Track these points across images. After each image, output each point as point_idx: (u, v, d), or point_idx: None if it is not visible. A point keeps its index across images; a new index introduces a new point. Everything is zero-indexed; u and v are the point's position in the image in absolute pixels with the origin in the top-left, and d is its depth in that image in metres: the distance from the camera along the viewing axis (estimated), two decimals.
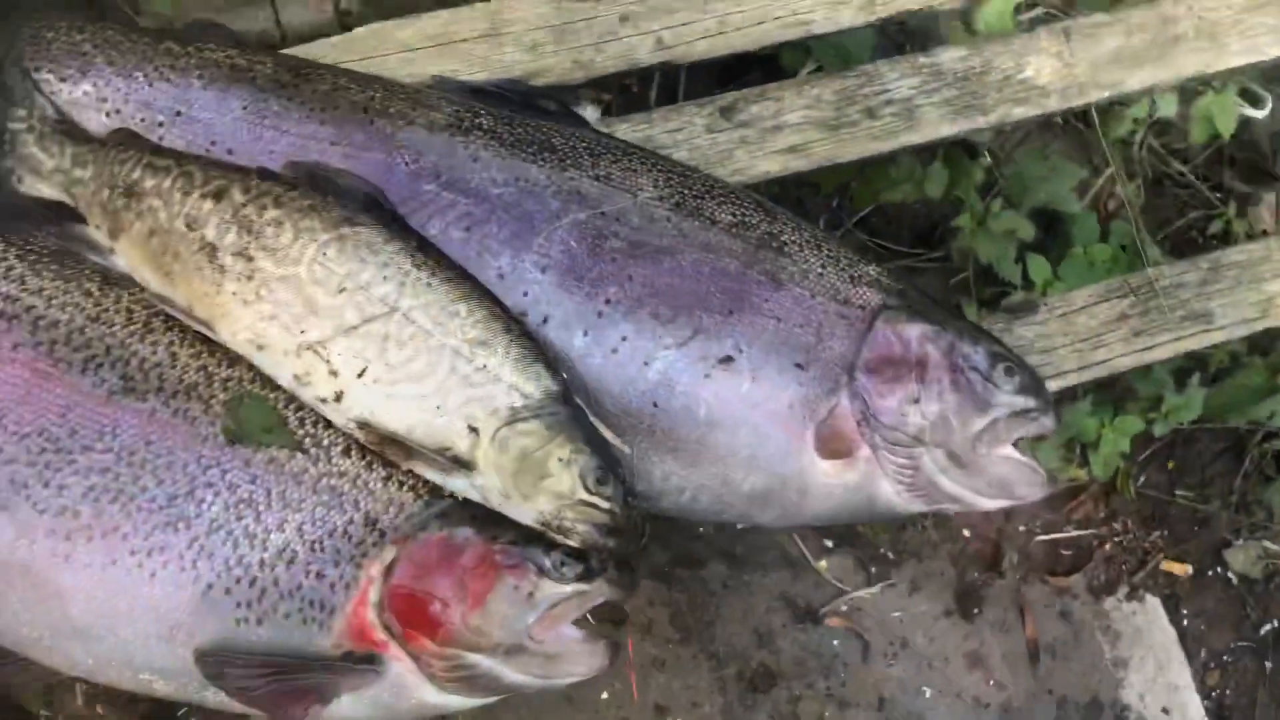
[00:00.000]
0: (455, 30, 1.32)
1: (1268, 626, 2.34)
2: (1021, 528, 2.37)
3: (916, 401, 1.11)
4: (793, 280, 1.13)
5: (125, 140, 1.13)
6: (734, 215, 1.16)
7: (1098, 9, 1.49)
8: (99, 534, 0.97)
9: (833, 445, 1.10)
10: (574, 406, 1.02)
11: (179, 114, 1.15)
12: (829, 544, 2.27)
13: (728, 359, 1.09)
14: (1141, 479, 2.31)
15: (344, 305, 1.00)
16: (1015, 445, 1.16)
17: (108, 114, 1.16)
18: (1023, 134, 1.74)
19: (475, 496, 1.02)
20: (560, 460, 1.00)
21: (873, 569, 2.31)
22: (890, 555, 2.33)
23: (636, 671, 1.69)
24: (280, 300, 1.00)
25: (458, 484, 1.01)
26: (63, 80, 1.17)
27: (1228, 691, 2.32)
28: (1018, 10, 1.46)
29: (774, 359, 1.10)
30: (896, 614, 2.23)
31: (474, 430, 0.99)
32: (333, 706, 1.02)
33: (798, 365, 1.10)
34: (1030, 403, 1.16)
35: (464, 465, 0.99)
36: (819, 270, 1.15)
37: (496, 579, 1.02)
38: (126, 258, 1.08)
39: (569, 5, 1.33)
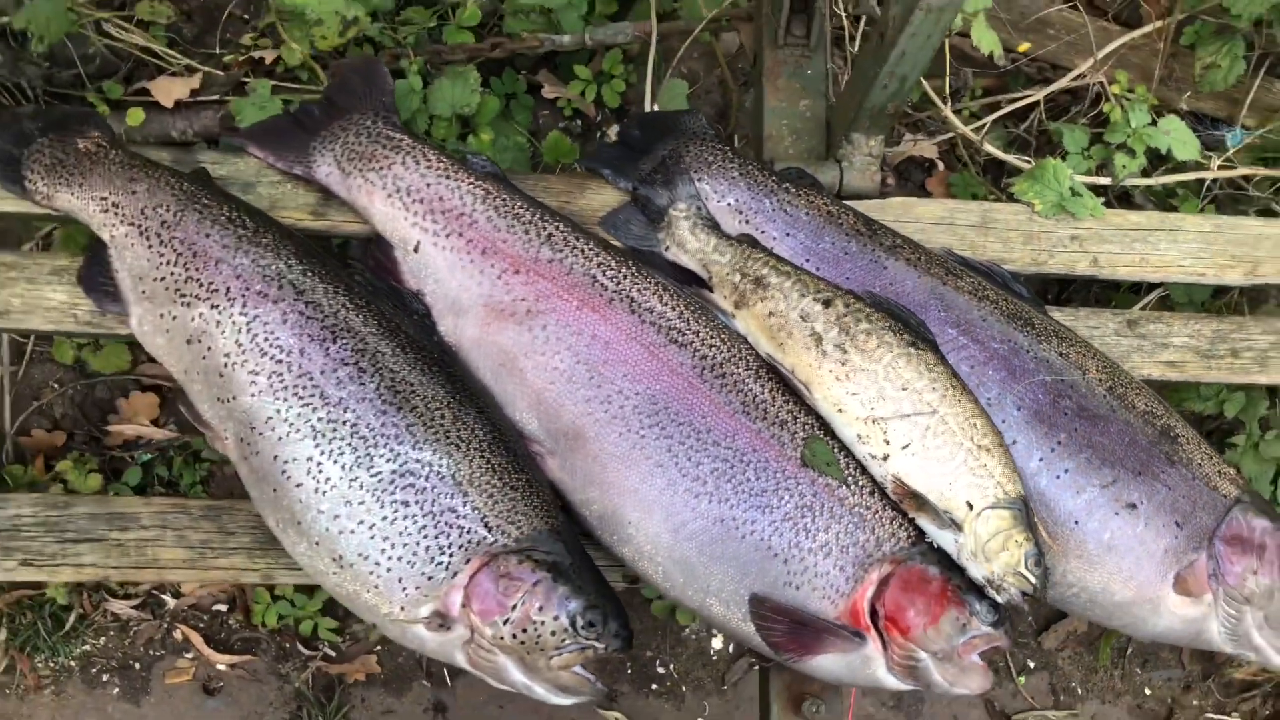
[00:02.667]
0: (957, 216, 1.82)
1: None
2: (1195, 702, 2.74)
3: (1255, 573, 1.55)
4: (1182, 463, 1.59)
5: (751, 242, 1.66)
6: (1146, 405, 1.63)
7: None
8: (717, 500, 1.47)
9: (1186, 586, 1.55)
10: (1028, 508, 1.49)
11: (789, 234, 1.68)
12: (1031, 664, 2.67)
13: (1132, 505, 1.55)
14: None
15: (903, 399, 1.49)
16: None
17: (740, 221, 1.70)
18: None
19: (950, 549, 1.49)
20: (1016, 542, 1.46)
21: (1061, 696, 2.71)
22: (1079, 690, 2.72)
23: None
24: (861, 384, 1.50)
25: (945, 537, 1.48)
26: (714, 191, 1.71)
27: None
28: None
29: (1162, 514, 1.55)
30: None
31: (970, 505, 1.46)
32: (816, 659, 1.49)
33: (1176, 524, 1.56)
34: None
35: (955, 526, 1.47)
36: (1199, 460, 1.61)
37: (948, 607, 1.48)
38: (745, 324, 1.60)
39: (1039, 220, 1.83)
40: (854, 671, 1.50)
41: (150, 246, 1.52)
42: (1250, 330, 1.85)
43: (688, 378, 1.52)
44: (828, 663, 1.49)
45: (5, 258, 1.58)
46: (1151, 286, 2.09)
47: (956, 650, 1.48)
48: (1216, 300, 2.16)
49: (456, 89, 2.08)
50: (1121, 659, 2.66)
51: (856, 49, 2.10)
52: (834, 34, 1.93)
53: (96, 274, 1.55)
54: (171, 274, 1.50)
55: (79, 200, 1.56)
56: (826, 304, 1.55)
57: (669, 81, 2.24)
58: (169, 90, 2.13)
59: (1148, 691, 2.70)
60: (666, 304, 1.56)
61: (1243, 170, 2.19)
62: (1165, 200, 2.26)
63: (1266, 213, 2.28)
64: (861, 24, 2.03)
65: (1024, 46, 2.13)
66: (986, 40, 1.85)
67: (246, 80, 2.18)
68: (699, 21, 2.10)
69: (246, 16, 2.29)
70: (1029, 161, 1.99)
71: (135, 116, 2.07)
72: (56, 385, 2.21)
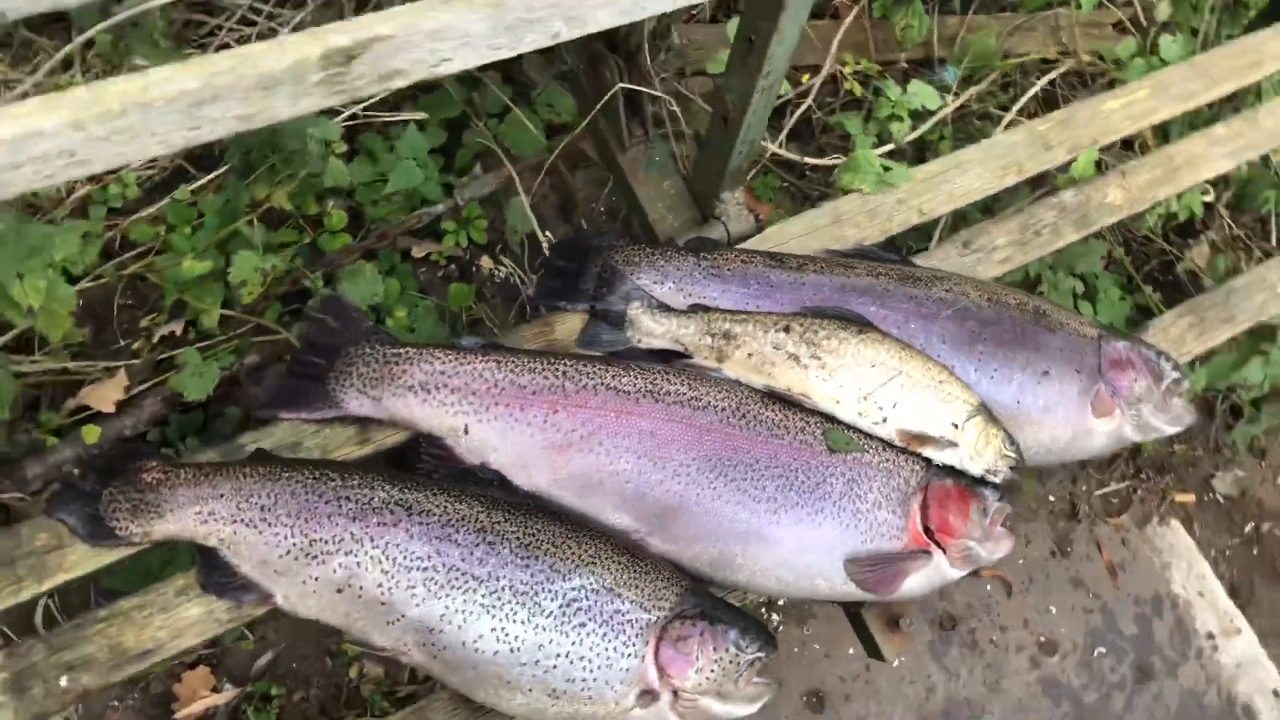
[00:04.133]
0: (816, 222, 2.28)
1: (1249, 526, 3.42)
2: (1084, 488, 3.41)
3: (1135, 381, 2.11)
4: (1057, 328, 2.13)
5: (704, 309, 2.04)
6: (1015, 299, 2.16)
7: None
8: (789, 507, 1.86)
9: (1101, 410, 2.09)
10: (987, 408, 1.98)
11: (724, 291, 2.07)
12: None
13: (1045, 373, 2.07)
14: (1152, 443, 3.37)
15: (875, 373, 1.93)
16: (1178, 397, 2.17)
17: (684, 297, 2.08)
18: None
19: (953, 461, 1.95)
20: (992, 434, 1.95)
21: None
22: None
23: None
24: (842, 377, 1.93)
25: (947, 455, 1.94)
26: (652, 282, 2.08)
27: (1235, 573, 3.37)
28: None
29: (1065, 369, 2.09)
30: (1021, 560, 3.24)
31: (955, 425, 1.93)
32: (905, 585, 1.92)
33: (1076, 371, 2.09)
34: (1179, 374, 2.18)
35: (951, 444, 1.93)
36: (1066, 320, 2.15)
37: (970, 502, 1.95)
38: (733, 371, 1.98)
39: (871, 198, 2.32)
40: (930, 580, 1.94)
41: (262, 533, 1.72)
42: (1039, 214, 2.43)
43: (721, 429, 1.89)
44: (912, 584, 1.92)
45: (132, 600, 1.72)
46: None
47: (988, 529, 1.95)
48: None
49: (361, 286, 2.32)
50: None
51: (699, 129, 2.50)
52: (658, 120, 2.31)
53: (218, 577, 1.73)
54: (295, 545, 1.71)
55: (175, 524, 1.72)
56: (787, 330, 1.97)
57: (513, 203, 2.57)
58: (104, 396, 2.24)
59: (1051, 498, 3.33)
60: (674, 382, 1.92)
61: (964, 96, 2.79)
62: (920, 145, 2.83)
63: (985, 118, 2.91)
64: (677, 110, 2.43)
65: (806, 77, 2.62)
66: None
67: (165, 358, 2.32)
68: (539, 152, 2.44)
69: (132, 303, 2.41)
70: (838, 158, 2.48)
71: (91, 434, 2.17)
72: (116, 703, 2.28)
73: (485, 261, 2.65)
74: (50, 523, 1.71)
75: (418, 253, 2.61)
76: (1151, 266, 3.28)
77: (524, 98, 2.56)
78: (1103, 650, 3.10)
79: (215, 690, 2.36)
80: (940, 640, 3.06)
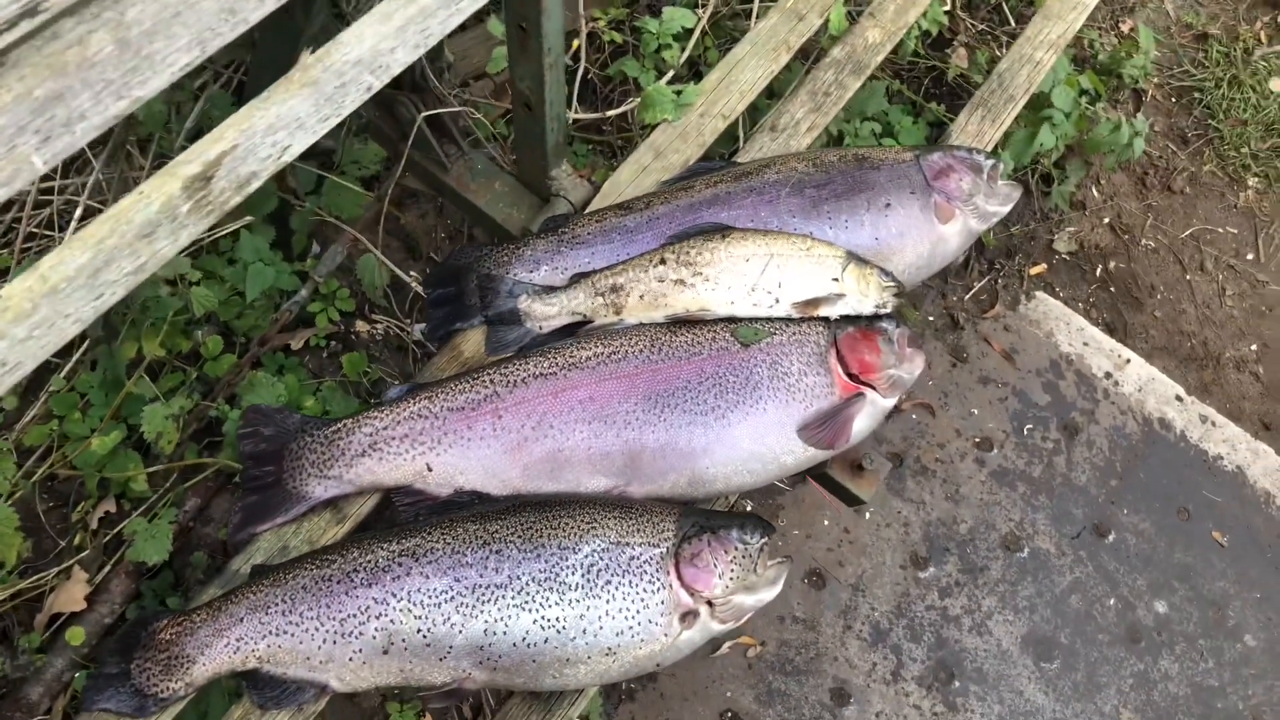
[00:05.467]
0: (643, 161, 2.45)
1: (1098, 270, 3.77)
2: (955, 299, 3.71)
3: (959, 180, 2.36)
4: (878, 164, 2.36)
5: (583, 275, 2.19)
6: (835, 155, 2.38)
7: None
8: (730, 409, 2.03)
9: (945, 216, 2.33)
10: (855, 254, 2.19)
11: (592, 253, 2.22)
12: None
13: (888, 204, 2.30)
14: (991, 233, 3.69)
15: (751, 265, 2.12)
16: (999, 179, 2.44)
17: (559, 274, 2.22)
18: None
19: (847, 310, 2.16)
20: (869, 273, 2.16)
21: None
22: None
23: None
24: (726, 280, 2.11)
25: (839, 308, 2.15)
26: (527, 272, 2.21)
27: (1104, 314, 3.71)
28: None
29: (899, 194, 2.32)
30: (930, 382, 3.52)
31: (835, 280, 2.14)
32: (853, 430, 2.12)
33: (910, 192, 2.33)
34: (992, 160, 2.44)
35: (839, 296, 2.14)
36: (880, 156, 2.38)
37: (875, 339, 2.16)
38: (633, 316, 2.14)
39: (676, 125, 2.50)
40: (873, 416, 2.15)
41: (294, 636, 1.80)
42: (820, 77, 2.66)
43: (647, 369, 2.05)
44: (859, 425, 2.13)
45: None
46: None
47: (900, 353, 2.17)
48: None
49: (262, 394, 2.38)
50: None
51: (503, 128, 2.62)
52: (465, 132, 2.43)
53: (270, 692, 1.80)
54: (328, 632, 1.80)
55: (211, 664, 1.79)
56: (663, 261, 2.13)
57: (361, 260, 2.66)
58: (71, 598, 2.25)
59: (931, 319, 3.63)
60: (589, 348, 2.07)
61: (712, 4, 2.99)
62: (695, 61, 3.03)
63: (735, 16, 3.12)
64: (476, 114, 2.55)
65: (576, 40, 2.77)
66: None
67: (109, 539, 2.33)
68: (368, 204, 2.53)
69: (52, 502, 2.41)
70: (633, 100, 2.65)
71: (76, 636, 2.18)
72: None
73: (361, 325, 2.73)
74: (96, 716, 1.75)
75: (296, 345, 2.67)
76: (926, 86, 3.57)
77: (329, 167, 2.64)
78: (1030, 427, 3.40)
79: None
80: (895, 478, 3.32)
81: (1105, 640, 3.09)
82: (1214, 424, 3.50)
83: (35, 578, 2.25)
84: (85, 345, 2.40)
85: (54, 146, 1.20)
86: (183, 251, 2.30)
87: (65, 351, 2.46)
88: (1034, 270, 3.75)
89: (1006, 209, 2.42)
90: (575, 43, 2.79)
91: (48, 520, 2.37)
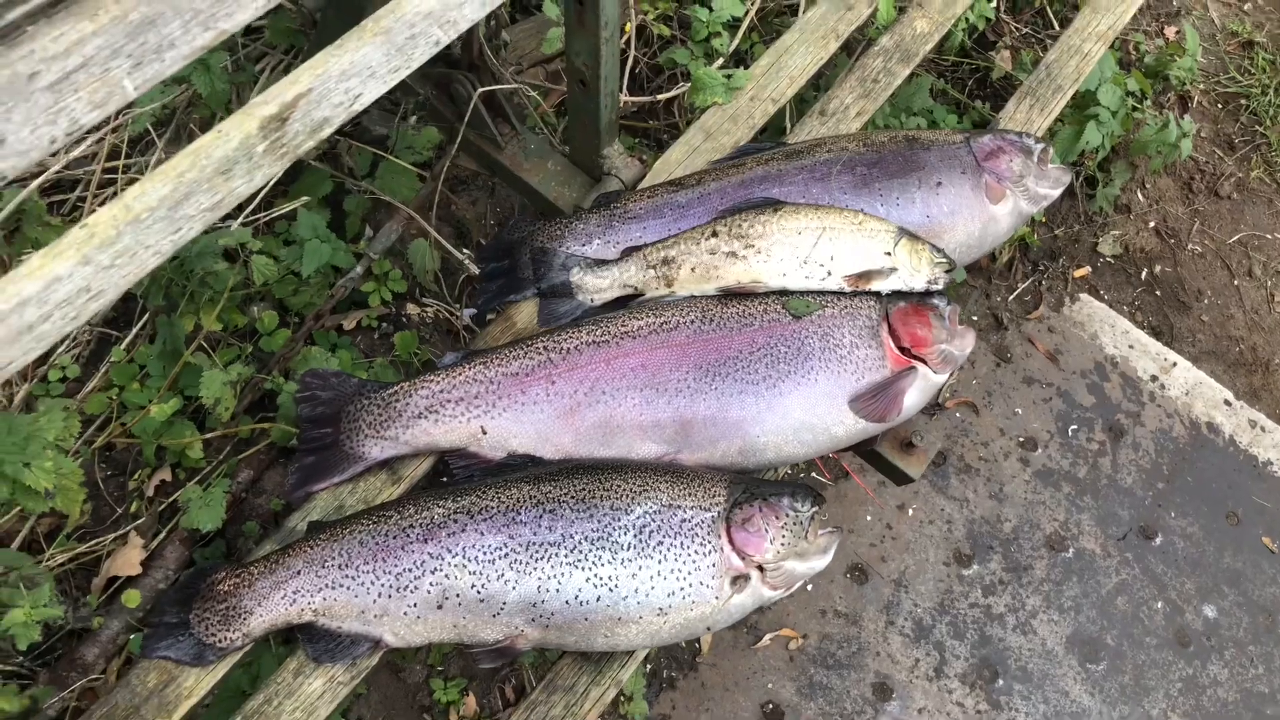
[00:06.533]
0: (693, 142, 2.48)
1: (1143, 273, 3.76)
2: (998, 299, 3.71)
3: (1010, 161, 2.37)
4: (930, 145, 2.37)
5: (635, 249, 2.21)
6: (885, 136, 2.39)
7: None
8: (781, 378, 2.04)
9: (995, 196, 2.34)
10: (906, 230, 2.20)
11: (644, 228, 2.25)
12: None
13: (939, 183, 2.31)
14: (1034, 234, 3.69)
15: (804, 239, 2.13)
16: (1050, 163, 2.44)
17: (611, 247, 2.24)
18: None
19: (898, 285, 2.17)
20: (920, 248, 2.17)
21: None
22: None
23: None
24: (778, 253, 2.13)
25: (891, 282, 2.16)
26: (580, 245, 2.24)
27: (1150, 317, 3.69)
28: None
29: (950, 174, 2.33)
30: (974, 381, 3.51)
31: (887, 254, 2.15)
32: (904, 404, 2.12)
33: (960, 172, 2.34)
34: (1042, 143, 2.45)
35: (891, 271, 2.15)
36: (933, 137, 2.40)
37: (927, 314, 2.17)
38: (684, 289, 2.16)
39: (727, 108, 2.53)
40: (925, 391, 2.15)
41: (350, 589, 1.81)
42: (869, 64, 2.68)
43: (699, 339, 2.06)
44: (911, 399, 2.13)
45: (256, 700, 1.79)
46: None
47: (951, 331, 2.18)
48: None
49: (318, 368, 2.41)
50: None
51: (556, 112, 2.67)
52: (520, 112, 2.48)
53: (326, 645, 1.82)
54: (384, 586, 1.81)
55: (268, 616, 1.81)
56: (715, 234, 2.15)
57: (413, 245, 2.70)
58: (128, 562, 2.29)
59: (975, 318, 3.62)
60: (642, 318, 2.09)
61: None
62: (741, 52, 3.07)
63: (783, 12, 3.16)
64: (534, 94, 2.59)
65: (626, 26, 2.81)
66: None
67: (164, 507, 2.37)
68: (428, 186, 2.57)
69: (110, 471, 2.45)
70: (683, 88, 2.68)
71: (132, 599, 2.21)
72: None
73: (411, 308, 2.77)
74: (155, 663, 1.77)
75: (349, 325, 2.71)
76: (970, 87, 3.59)
77: (382, 150, 2.69)
78: (1074, 428, 3.38)
79: None
80: (938, 475, 3.30)
81: (1153, 643, 3.05)
82: (1263, 429, 3.46)
83: (93, 542, 2.29)
84: (145, 318, 2.45)
85: (144, 73, 1.24)
86: (249, 220, 2.36)
87: (126, 323, 2.52)
88: (1078, 273, 3.74)
89: (1057, 192, 2.42)
90: (625, 31, 2.84)
91: (106, 488, 2.41)
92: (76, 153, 2.39)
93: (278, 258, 2.55)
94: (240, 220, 2.57)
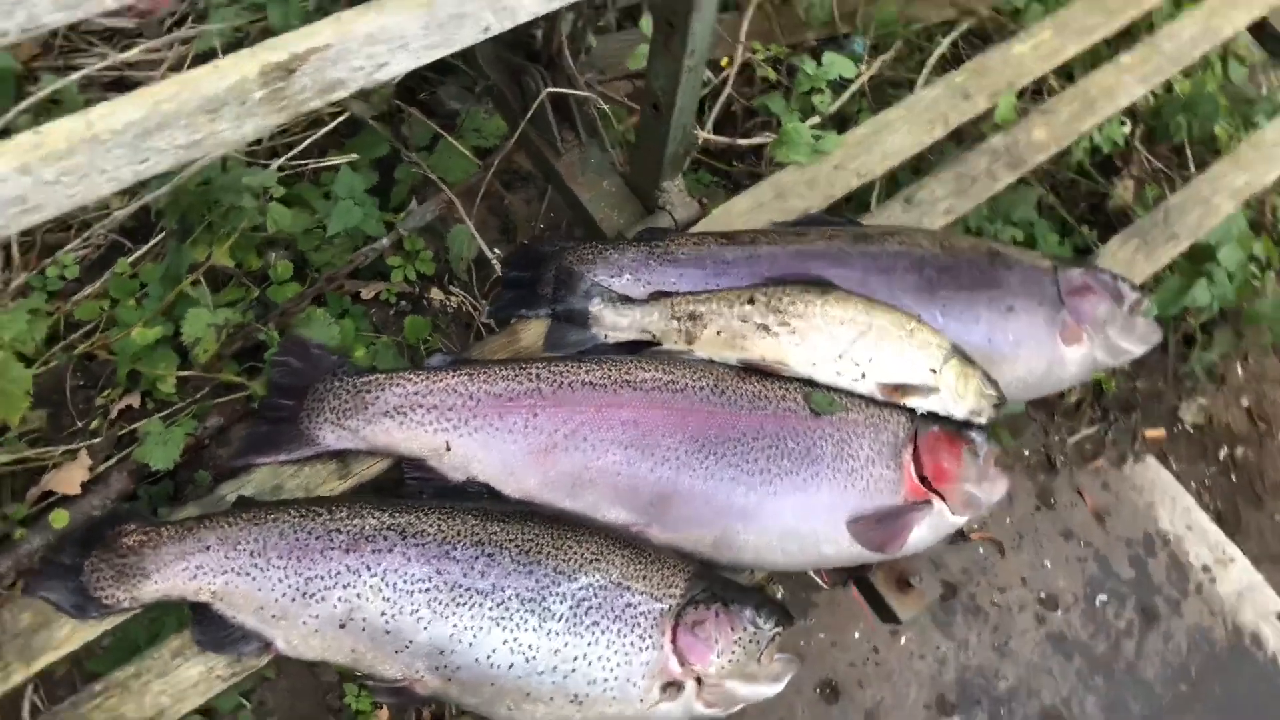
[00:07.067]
0: (760, 197, 2.30)
1: (1223, 453, 3.47)
2: (1057, 438, 3.44)
3: (1096, 305, 2.14)
4: (1012, 264, 2.16)
5: (664, 295, 2.04)
6: (967, 244, 2.18)
7: None
8: (782, 476, 1.84)
9: (1070, 337, 2.12)
10: (961, 350, 1.99)
11: (681, 275, 2.07)
12: None
13: (1010, 308, 2.09)
14: (1113, 382, 3.43)
15: (846, 330, 1.94)
16: (1140, 316, 2.21)
17: (641, 286, 2.07)
18: None
19: (936, 408, 1.96)
20: (970, 375, 1.96)
21: None
22: None
23: None
24: (815, 340, 1.93)
25: (929, 402, 1.95)
26: (609, 277, 2.07)
27: (1218, 501, 3.41)
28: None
29: (1028, 302, 2.11)
30: (1008, 519, 3.25)
31: (933, 371, 1.94)
32: (910, 539, 1.91)
33: (1038, 302, 2.12)
34: (1138, 293, 2.21)
35: (932, 390, 1.94)
36: (1018, 256, 2.18)
37: (960, 446, 1.95)
38: (704, 350, 1.97)
39: (808, 168, 2.34)
40: (936, 530, 1.94)
41: (255, 580, 1.66)
42: (971, 161, 2.47)
43: (703, 408, 1.88)
44: (918, 536, 1.92)
45: (127, 670, 1.65)
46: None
47: (983, 471, 1.96)
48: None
49: (316, 331, 2.27)
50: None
51: (628, 130, 2.51)
52: (588, 123, 2.32)
53: (215, 632, 1.67)
54: (290, 586, 1.66)
55: (163, 584, 1.67)
56: (752, 301, 1.97)
57: (454, 230, 2.56)
58: (69, 479, 2.17)
59: (1027, 453, 3.36)
60: (649, 369, 1.91)
61: (877, 64, 2.84)
62: (842, 117, 2.88)
63: (901, 85, 2.96)
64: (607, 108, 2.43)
65: (725, 61, 2.65)
66: None
67: (125, 433, 2.25)
68: (475, 173, 2.43)
69: (84, 383, 2.34)
70: (768, 137, 2.50)
71: (60, 519, 2.09)
72: None
73: (435, 293, 2.62)
74: (34, 603, 1.64)
75: (367, 294, 2.58)
76: (1081, 210, 3.34)
77: (449, 129, 2.55)
78: (1104, 598, 3.10)
79: None
80: (942, 609, 3.05)
81: None
82: None
83: (42, 449, 2.18)
84: (161, 236, 2.35)
85: None
86: (297, 163, 2.23)
87: (144, 237, 2.42)
88: (1150, 433, 3.45)
89: (1140, 350, 2.19)
90: (726, 62, 2.67)
91: (73, 399, 2.30)
92: (135, 55, 2.30)
93: (314, 208, 2.43)
94: (285, 160, 2.46)
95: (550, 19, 2.07)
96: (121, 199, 2.29)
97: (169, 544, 1.68)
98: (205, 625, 1.67)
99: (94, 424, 2.26)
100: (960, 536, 3.21)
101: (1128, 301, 2.17)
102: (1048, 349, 2.10)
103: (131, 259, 2.34)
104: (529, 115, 2.18)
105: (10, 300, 2.22)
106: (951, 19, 3.06)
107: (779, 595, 2.88)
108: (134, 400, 2.26)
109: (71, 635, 1.64)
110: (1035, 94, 2.92)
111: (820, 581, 2.90)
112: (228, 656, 1.67)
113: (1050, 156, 2.55)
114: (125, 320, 2.23)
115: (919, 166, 2.71)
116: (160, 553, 1.68)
